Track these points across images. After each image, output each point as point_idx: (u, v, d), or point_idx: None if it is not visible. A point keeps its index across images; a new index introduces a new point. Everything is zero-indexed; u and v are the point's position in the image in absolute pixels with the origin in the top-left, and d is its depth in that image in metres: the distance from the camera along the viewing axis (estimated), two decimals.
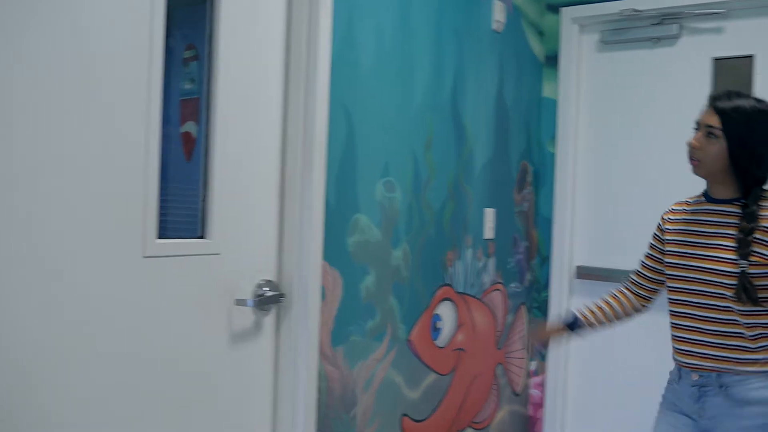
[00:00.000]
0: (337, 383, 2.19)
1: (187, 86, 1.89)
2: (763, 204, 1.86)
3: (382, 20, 2.32)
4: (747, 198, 1.88)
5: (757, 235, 1.83)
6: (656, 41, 3.18)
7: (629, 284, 2.19)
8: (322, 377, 2.12)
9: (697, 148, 1.90)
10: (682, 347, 1.93)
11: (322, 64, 2.05)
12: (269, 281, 2.02)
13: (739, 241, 1.84)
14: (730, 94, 1.88)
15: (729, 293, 1.83)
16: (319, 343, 2.08)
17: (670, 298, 1.98)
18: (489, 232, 2.99)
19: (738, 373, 1.83)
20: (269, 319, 2.04)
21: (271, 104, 2.03)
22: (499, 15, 2.98)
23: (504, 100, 3.09)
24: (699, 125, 1.91)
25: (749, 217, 1.84)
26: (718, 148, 1.86)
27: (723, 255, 1.86)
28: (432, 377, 2.64)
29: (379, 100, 2.32)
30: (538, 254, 3.43)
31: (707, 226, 1.93)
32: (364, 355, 2.30)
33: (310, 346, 2.04)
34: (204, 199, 1.87)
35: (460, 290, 2.80)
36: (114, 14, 1.58)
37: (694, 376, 1.90)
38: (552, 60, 3.40)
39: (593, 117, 3.35)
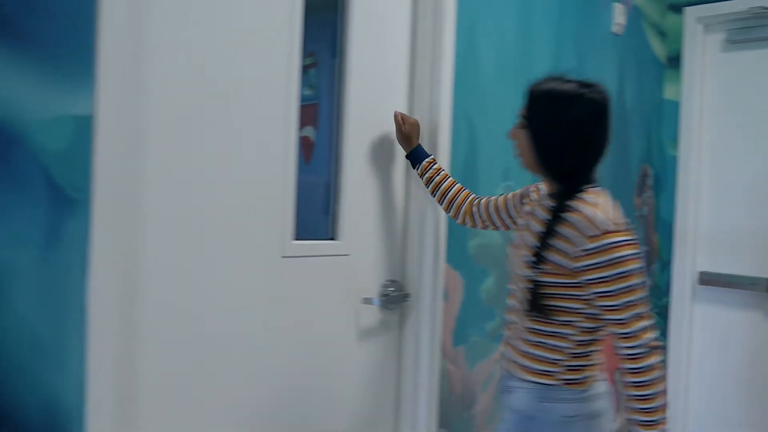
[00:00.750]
0: (458, 382, 2.25)
1: (306, 92, 1.98)
2: (574, 205, 1.58)
3: (503, 26, 2.36)
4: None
5: (550, 240, 1.58)
6: None
7: (476, 195, 2.02)
8: (444, 375, 2.19)
9: (511, 138, 1.72)
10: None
11: (446, 72, 2.12)
12: (394, 281, 2.10)
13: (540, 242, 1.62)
14: (549, 79, 1.64)
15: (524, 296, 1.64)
16: (441, 342, 2.15)
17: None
18: None
19: (517, 378, 1.67)
20: (394, 318, 2.13)
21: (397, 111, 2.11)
22: (619, 18, 2.96)
23: (624, 103, 3.06)
24: None
25: (551, 218, 1.60)
26: (524, 137, 1.65)
27: (528, 256, 1.64)
28: None
29: (500, 105, 2.36)
30: (659, 259, 3.37)
31: (536, 222, 1.69)
32: (484, 356, 2.35)
33: (433, 345, 2.11)
34: (335, 203, 1.97)
35: None
36: (258, 24, 1.70)
37: (503, 371, 1.76)
38: (674, 61, 3.33)
39: (717, 119, 3.26)
